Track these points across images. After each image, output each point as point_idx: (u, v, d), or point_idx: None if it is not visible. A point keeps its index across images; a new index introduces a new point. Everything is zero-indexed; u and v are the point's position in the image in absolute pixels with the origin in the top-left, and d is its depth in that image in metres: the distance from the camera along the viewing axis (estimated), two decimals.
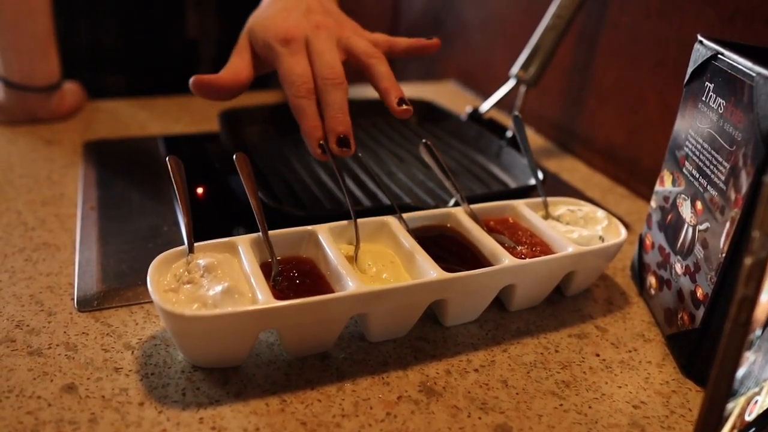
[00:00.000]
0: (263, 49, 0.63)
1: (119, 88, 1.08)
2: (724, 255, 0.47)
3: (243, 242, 0.52)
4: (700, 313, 0.49)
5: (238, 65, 0.64)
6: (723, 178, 0.47)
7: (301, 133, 0.58)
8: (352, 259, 0.53)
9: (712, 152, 0.49)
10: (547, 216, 0.62)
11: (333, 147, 0.57)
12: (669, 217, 0.56)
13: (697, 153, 0.52)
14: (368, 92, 0.78)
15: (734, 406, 0.37)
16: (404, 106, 0.59)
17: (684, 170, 0.54)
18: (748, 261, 0.31)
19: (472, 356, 0.51)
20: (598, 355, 0.53)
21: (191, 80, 0.61)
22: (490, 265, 0.53)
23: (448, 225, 0.59)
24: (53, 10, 0.86)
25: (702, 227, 0.50)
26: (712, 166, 0.49)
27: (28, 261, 0.59)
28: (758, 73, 0.44)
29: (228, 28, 1.09)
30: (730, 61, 0.48)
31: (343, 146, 0.56)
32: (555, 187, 0.82)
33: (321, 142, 0.57)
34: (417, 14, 1.48)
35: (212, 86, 0.62)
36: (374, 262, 0.53)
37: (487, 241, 0.55)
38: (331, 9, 0.68)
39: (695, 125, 0.53)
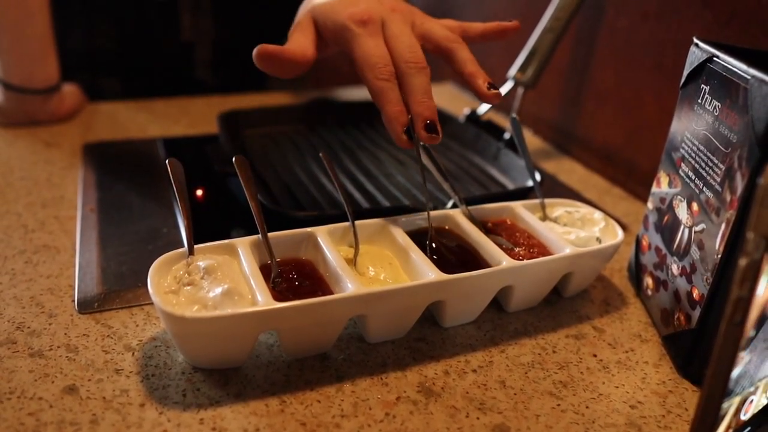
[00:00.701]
0: (335, 31, 0.59)
1: (115, 90, 1.08)
2: (719, 256, 0.47)
3: (243, 244, 0.52)
4: (696, 313, 0.50)
5: (304, 42, 0.60)
6: (718, 179, 0.48)
7: (383, 119, 0.55)
8: (351, 262, 0.53)
9: (708, 154, 0.50)
10: (544, 217, 0.63)
11: (421, 133, 0.54)
12: (665, 218, 0.56)
13: (693, 155, 0.52)
14: (363, 94, 0.78)
15: (730, 406, 0.38)
16: (494, 90, 0.56)
17: (680, 172, 0.54)
18: (742, 262, 0.31)
19: (470, 357, 0.52)
20: (595, 356, 0.53)
21: (256, 50, 0.57)
22: (488, 266, 0.53)
23: (447, 227, 0.60)
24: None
25: (698, 228, 0.50)
26: (707, 168, 0.50)
27: (28, 263, 0.59)
28: (753, 76, 0.45)
29: (223, 31, 1.09)
30: (726, 64, 0.49)
31: (431, 132, 0.54)
32: (552, 188, 0.83)
33: (407, 127, 0.54)
34: None
35: (279, 58, 0.58)
36: (373, 264, 0.53)
37: (485, 243, 0.55)
38: None
39: (691, 127, 0.53)
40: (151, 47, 1.07)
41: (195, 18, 1.06)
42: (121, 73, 1.09)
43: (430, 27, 0.60)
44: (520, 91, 0.89)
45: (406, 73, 0.55)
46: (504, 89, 0.90)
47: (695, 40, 0.54)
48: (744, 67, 0.46)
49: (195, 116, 0.98)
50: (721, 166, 0.48)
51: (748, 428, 0.41)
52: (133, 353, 0.49)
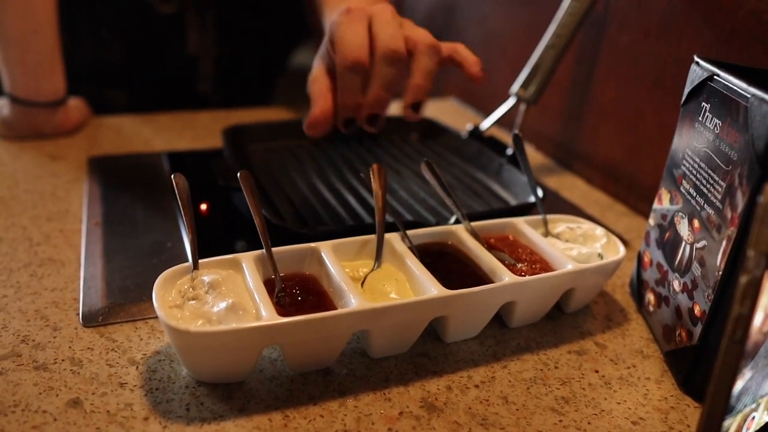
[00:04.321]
0: (330, 40, 0.62)
1: (121, 103, 1.09)
2: (720, 273, 0.47)
3: (247, 259, 0.52)
4: (697, 329, 0.50)
5: (319, 99, 0.65)
6: (719, 197, 0.48)
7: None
8: (356, 277, 0.54)
9: (709, 171, 0.50)
10: (546, 233, 0.63)
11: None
12: (667, 234, 0.57)
13: (694, 172, 0.53)
14: None
15: (731, 423, 0.38)
16: (413, 112, 0.60)
17: (681, 189, 0.55)
18: (743, 279, 0.32)
19: (472, 372, 0.52)
20: (597, 372, 0.53)
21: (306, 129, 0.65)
22: (490, 282, 0.54)
23: (449, 242, 0.60)
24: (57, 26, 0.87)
25: (699, 245, 0.51)
26: (708, 185, 0.50)
27: (33, 276, 0.59)
28: (753, 95, 0.45)
29: (227, 46, 1.10)
30: (726, 83, 0.49)
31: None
32: (554, 204, 0.83)
33: (329, 126, 0.60)
34: None
35: (310, 124, 0.65)
36: (384, 279, 0.54)
37: (487, 259, 0.56)
38: None
39: (692, 144, 0.54)
40: (157, 61, 1.08)
41: (201, 32, 1.07)
42: (127, 86, 1.10)
43: (415, 31, 0.62)
44: (523, 107, 0.90)
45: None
46: (506, 105, 0.91)
47: (696, 59, 0.55)
48: (744, 85, 0.47)
49: (199, 130, 0.99)
50: (721, 183, 0.48)
51: None
52: (137, 367, 0.49)
